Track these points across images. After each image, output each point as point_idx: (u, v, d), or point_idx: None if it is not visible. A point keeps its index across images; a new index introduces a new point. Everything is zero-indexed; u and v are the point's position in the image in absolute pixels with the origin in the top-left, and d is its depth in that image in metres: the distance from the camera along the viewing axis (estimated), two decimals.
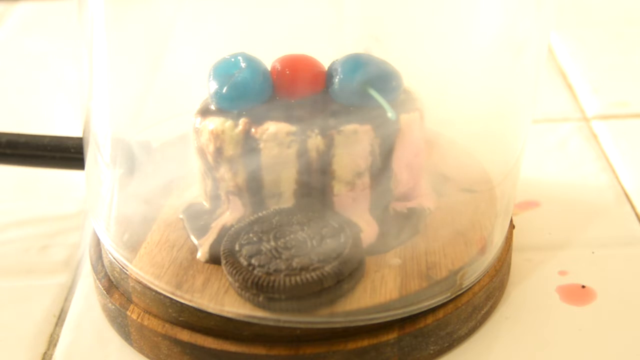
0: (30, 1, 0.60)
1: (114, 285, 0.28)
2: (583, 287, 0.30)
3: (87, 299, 0.30)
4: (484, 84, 0.26)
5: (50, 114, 0.44)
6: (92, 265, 0.29)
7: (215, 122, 0.26)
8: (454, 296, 0.26)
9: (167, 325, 0.26)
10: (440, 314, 0.26)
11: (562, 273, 0.30)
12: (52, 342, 0.28)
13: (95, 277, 0.29)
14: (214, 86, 0.26)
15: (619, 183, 0.36)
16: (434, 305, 0.26)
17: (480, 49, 0.25)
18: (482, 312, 0.28)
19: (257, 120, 0.26)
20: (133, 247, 0.27)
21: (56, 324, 0.29)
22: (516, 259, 0.31)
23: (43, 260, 0.32)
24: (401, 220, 0.27)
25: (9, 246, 0.33)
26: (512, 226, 0.30)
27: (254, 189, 0.26)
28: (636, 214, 0.34)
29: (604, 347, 0.27)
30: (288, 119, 0.26)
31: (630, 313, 0.28)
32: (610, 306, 0.29)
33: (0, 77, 0.49)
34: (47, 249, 0.33)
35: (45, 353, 0.28)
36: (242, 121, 0.26)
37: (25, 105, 0.45)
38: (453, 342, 0.27)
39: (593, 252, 0.31)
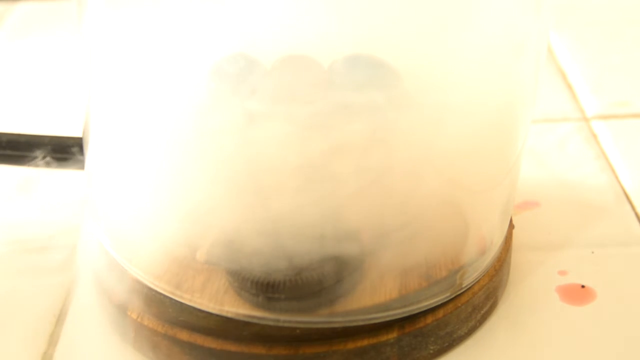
0: (30, 1, 0.60)
1: (114, 285, 0.28)
2: (583, 287, 0.30)
3: (87, 299, 0.30)
4: (484, 84, 0.26)
5: (50, 114, 0.44)
6: (92, 265, 0.29)
7: None
8: (453, 296, 0.26)
9: (166, 325, 0.26)
10: (440, 313, 0.26)
11: (562, 273, 0.30)
12: (52, 341, 0.28)
13: (95, 277, 0.29)
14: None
15: (619, 183, 0.36)
16: (433, 305, 0.26)
17: (479, 49, 0.25)
18: (482, 311, 0.28)
19: None
20: (133, 247, 0.27)
21: (56, 324, 0.29)
22: (516, 259, 0.31)
23: (43, 260, 0.32)
24: (401, 220, 0.27)
25: (9, 246, 0.33)
26: (512, 226, 0.30)
27: None
28: (636, 214, 0.34)
29: (604, 347, 0.27)
30: (287, 119, 0.26)
31: (630, 313, 0.28)
32: (610, 306, 0.29)
33: (0, 77, 0.49)
34: (47, 249, 0.33)
35: (45, 353, 0.28)
36: None
37: (25, 105, 0.45)
38: (453, 341, 0.27)
39: (593, 252, 0.31)
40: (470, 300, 0.27)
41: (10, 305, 0.30)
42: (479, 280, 0.27)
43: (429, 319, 0.26)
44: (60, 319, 0.29)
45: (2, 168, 0.33)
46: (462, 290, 0.27)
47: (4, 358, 0.28)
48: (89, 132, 0.28)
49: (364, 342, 0.25)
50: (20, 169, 0.33)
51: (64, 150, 0.31)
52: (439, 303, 0.26)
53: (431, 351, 0.26)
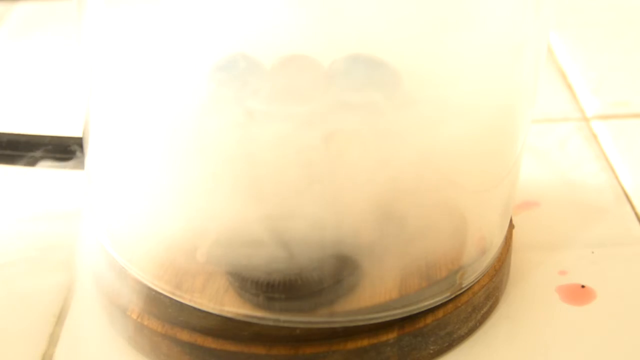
0: (30, 1, 0.60)
1: (114, 285, 0.28)
2: (583, 287, 0.30)
3: (87, 299, 0.30)
4: (484, 84, 0.26)
5: (50, 114, 0.44)
6: (92, 265, 0.29)
7: None
8: (453, 296, 0.26)
9: (167, 325, 0.26)
10: (440, 313, 0.26)
11: (562, 273, 0.30)
12: (52, 341, 0.28)
13: (95, 277, 0.29)
14: None
15: (619, 183, 0.36)
16: (433, 305, 0.26)
17: (479, 49, 0.25)
18: (482, 312, 0.28)
19: None
20: (133, 247, 0.27)
21: (56, 324, 0.29)
22: (516, 259, 0.31)
23: (43, 260, 0.32)
24: (401, 220, 0.27)
25: (9, 246, 0.33)
26: (512, 226, 0.30)
27: None
28: (636, 214, 0.34)
29: (604, 347, 0.27)
30: (287, 119, 0.26)
31: (630, 313, 0.28)
32: (610, 306, 0.29)
33: (0, 77, 0.49)
34: (47, 249, 0.33)
35: (45, 353, 0.28)
36: None
37: (25, 105, 0.45)
38: (453, 341, 0.27)
39: (593, 252, 0.31)
40: (470, 300, 0.27)
41: (11, 305, 0.30)
42: (479, 280, 0.27)
43: (429, 319, 0.26)
44: (60, 319, 0.29)
45: (3, 168, 0.33)
46: (462, 291, 0.27)
47: (4, 358, 0.28)
48: (89, 132, 0.29)
49: (364, 342, 0.25)
50: (20, 169, 0.33)
51: (64, 150, 0.31)
52: (439, 303, 0.26)
53: (431, 351, 0.26)
